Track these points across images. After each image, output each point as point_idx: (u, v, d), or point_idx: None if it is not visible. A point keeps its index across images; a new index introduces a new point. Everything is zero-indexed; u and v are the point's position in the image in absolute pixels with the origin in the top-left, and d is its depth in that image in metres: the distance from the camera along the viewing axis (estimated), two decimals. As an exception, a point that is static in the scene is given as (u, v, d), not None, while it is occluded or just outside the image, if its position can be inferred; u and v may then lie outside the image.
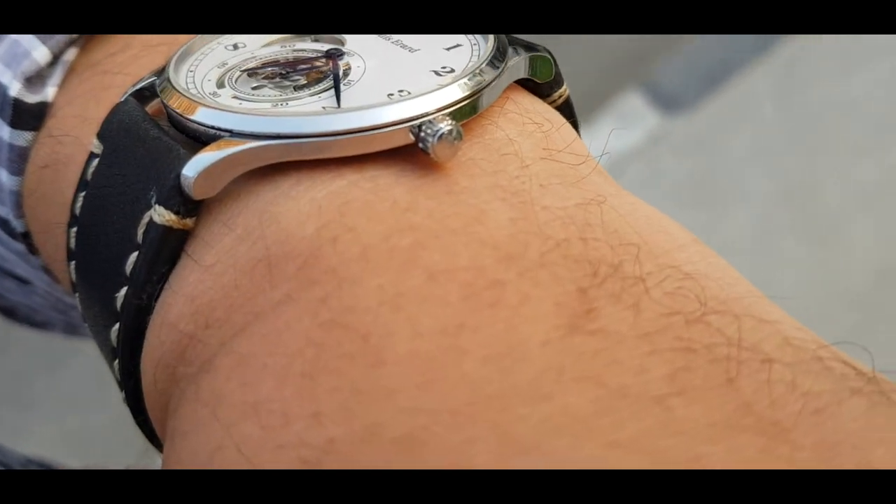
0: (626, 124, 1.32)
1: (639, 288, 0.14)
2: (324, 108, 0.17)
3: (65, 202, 0.20)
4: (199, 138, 0.17)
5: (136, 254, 0.17)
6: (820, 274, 1.08)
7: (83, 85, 0.21)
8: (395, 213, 0.16)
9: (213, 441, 0.14)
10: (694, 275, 0.15)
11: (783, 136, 1.27)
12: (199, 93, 0.18)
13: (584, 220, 0.16)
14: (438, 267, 0.15)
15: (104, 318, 0.18)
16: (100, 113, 0.20)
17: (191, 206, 0.17)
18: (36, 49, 0.21)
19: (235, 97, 0.18)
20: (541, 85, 0.19)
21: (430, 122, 0.16)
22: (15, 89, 0.21)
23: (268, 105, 0.18)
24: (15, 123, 0.21)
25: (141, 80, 0.19)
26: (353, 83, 0.18)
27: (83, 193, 0.19)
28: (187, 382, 0.16)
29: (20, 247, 0.23)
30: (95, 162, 0.19)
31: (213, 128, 0.17)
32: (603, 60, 1.31)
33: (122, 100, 0.19)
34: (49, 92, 0.21)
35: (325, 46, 0.20)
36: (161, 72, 0.19)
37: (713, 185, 1.26)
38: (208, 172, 0.16)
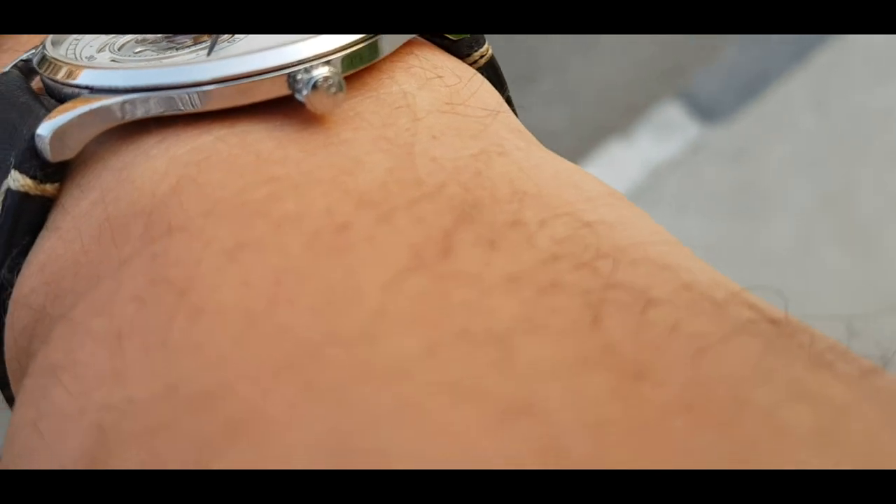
0: (664, 135, 1.30)
1: (517, 232, 0.13)
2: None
3: None
4: (66, 100, 0.16)
5: None
6: (861, 280, 1.05)
7: None
8: (256, 167, 0.14)
9: (27, 416, 0.13)
10: (595, 223, 0.13)
11: (822, 144, 1.24)
12: (75, 58, 0.17)
13: (474, 169, 0.14)
14: (288, 216, 0.13)
15: None
16: None
17: (50, 171, 0.15)
18: None
19: (113, 60, 0.17)
20: (457, 43, 0.18)
21: (305, 69, 0.15)
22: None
23: (141, 64, 0.16)
24: None
25: (26, 53, 0.18)
26: (237, 40, 0.17)
27: None
28: (33, 359, 0.15)
29: None
30: None
31: (73, 86, 0.16)
32: (640, 72, 1.29)
33: (5, 70, 0.18)
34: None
35: None
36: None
37: (753, 194, 1.23)
38: (62, 131, 0.15)
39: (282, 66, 0.15)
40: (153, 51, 0.17)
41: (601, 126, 1.26)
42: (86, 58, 0.17)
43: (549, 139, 0.19)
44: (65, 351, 0.13)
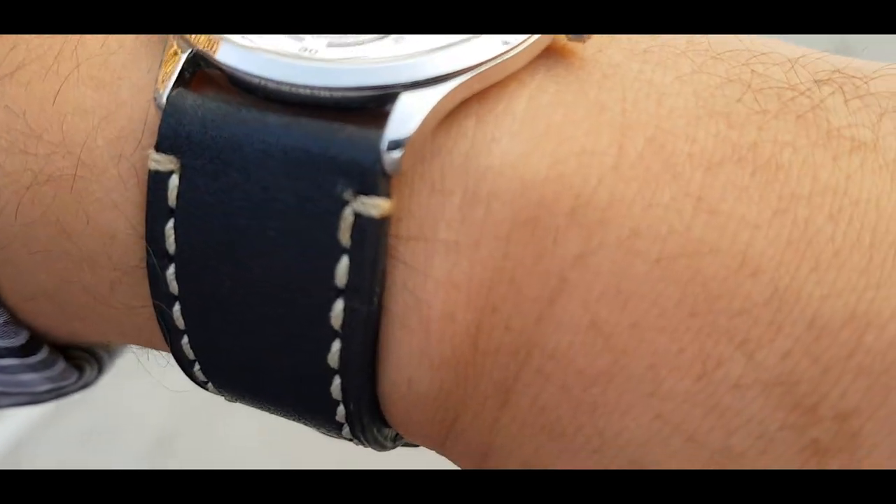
0: None
1: (829, 89, 0.16)
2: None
3: (114, 235, 0.16)
4: (324, 104, 0.15)
5: (345, 260, 0.14)
6: None
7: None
8: (591, 118, 0.15)
9: (645, 416, 0.14)
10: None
11: None
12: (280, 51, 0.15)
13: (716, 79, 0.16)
14: (705, 156, 0.15)
15: (300, 345, 0.15)
16: (67, 105, 0.16)
17: (385, 187, 0.14)
18: None
19: (330, 44, 0.15)
20: None
21: None
22: None
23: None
24: None
25: (174, 64, 0.15)
26: (404, 39, 0.16)
27: (171, 222, 0.15)
28: (517, 371, 0.15)
29: None
30: (175, 180, 0.15)
31: (378, 87, 0.14)
32: None
33: (173, 94, 0.15)
34: None
35: None
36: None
37: None
38: (415, 141, 0.14)
39: None
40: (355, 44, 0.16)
41: None
42: (303, 50, 0.15)
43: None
44: (634, 355, 0.14)
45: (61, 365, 0.20)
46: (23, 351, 0.19)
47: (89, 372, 0.21)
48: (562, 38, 0.16)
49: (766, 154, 0.15)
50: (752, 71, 0.16)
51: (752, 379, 0.14)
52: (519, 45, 0.15)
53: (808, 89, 0.16)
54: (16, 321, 0.18)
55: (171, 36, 0.16)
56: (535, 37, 0.15)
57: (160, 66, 0.16)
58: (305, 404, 0.16)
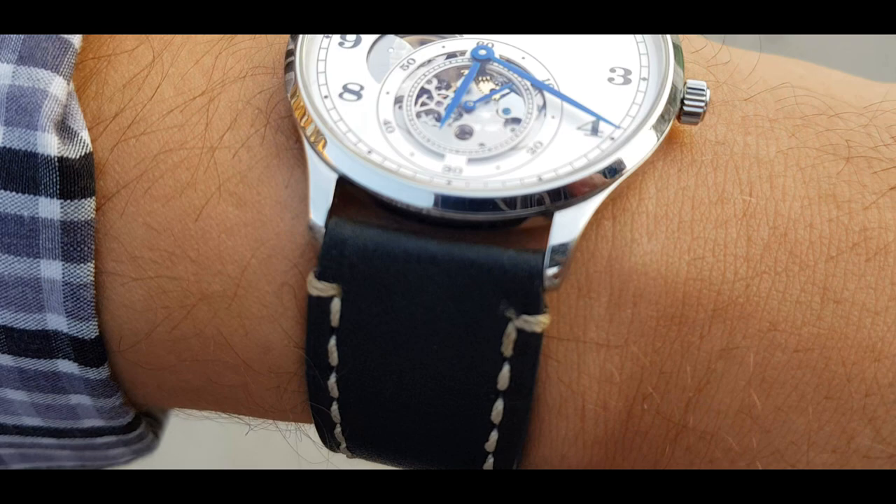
0: None
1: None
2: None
3: (270, 347, 0.17)
4: (479, 226, 0.16)
5: (506, 367, 0.16)
6: None
7: (129, 149, 0.17)
8: (716, 208, 0.16)
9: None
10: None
11: None
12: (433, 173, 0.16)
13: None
14: (825, 243, 0.17)
15: (458, 437, 0.17)
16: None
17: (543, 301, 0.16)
18: (52, 82, 0.15)
19: (470, 161, 0.17)
20: None
21: (691, 90, 0.17)
22: (53, 145, 0.15)
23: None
24: (68, 191, 0.16)
25: (323, 187, 0.16)
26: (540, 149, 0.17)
27: (333, 340, 0.16)
28: (667, 448, 0.17)
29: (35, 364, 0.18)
30: (336, 304, 0.16)
31: (541, 194, 0.16)
32: None
33: (330, 223, 0.16)
34: (85, 139, 0.16)
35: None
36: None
37: None
38: (571, 259, 0.16)
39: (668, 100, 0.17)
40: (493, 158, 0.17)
41: None
42: (447, 171, 0.17)
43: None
44: (793, 431, 0.16)
45: (150, 437, 0.21)
46: (125, 429, 0.20)
47: (160, 436, 0.22)
48: (675, 122, 0.17)
49: (876, 239, 0.17)
50: (843, 139, 0.17)
51: (879, 451, 0.16)
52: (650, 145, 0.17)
53: (893, 158, 0.17)
54: (129, 402, 0.19)
55: (307, 151, 0.16)
56: (665, 134, 0.17)
57: (307, 184, 0.16)
58: (451, 469, 0.18)
